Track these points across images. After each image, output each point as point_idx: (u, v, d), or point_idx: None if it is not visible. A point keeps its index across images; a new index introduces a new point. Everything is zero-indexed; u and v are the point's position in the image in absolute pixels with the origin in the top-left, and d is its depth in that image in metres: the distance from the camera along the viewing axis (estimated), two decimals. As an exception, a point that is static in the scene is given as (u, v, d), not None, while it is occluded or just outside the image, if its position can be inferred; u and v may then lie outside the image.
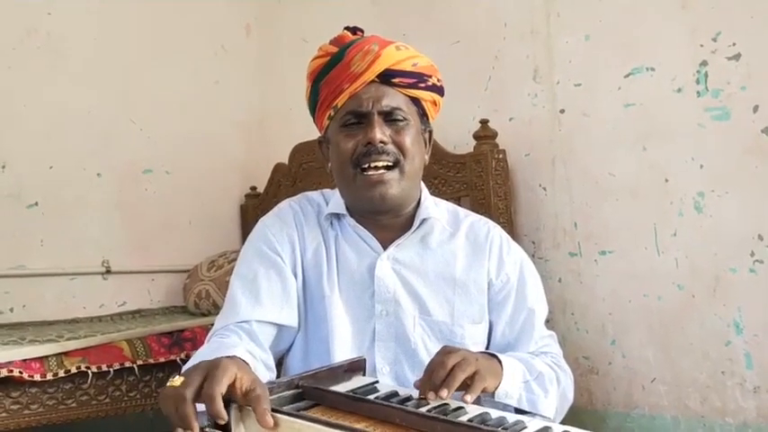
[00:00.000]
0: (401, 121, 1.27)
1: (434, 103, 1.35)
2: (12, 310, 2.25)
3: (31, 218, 2.31)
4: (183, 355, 1.88)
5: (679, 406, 1.75)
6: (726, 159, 1.69)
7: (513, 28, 2.10)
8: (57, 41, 2.40)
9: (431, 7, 2.30)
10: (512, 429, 0.90)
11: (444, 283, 1.30)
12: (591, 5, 1.93)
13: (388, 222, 1.33)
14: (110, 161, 2.48)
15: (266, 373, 1.16)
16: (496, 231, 1.39)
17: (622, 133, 1.86)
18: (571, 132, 1.97)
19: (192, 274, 2.46)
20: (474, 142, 2.04)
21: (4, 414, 1.64)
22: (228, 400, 0.87)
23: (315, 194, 1.41)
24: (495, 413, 0.96)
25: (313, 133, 1.46)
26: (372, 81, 1.26)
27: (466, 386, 1.04)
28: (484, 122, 2.04)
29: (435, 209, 1.36)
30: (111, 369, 1.78)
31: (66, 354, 1.73)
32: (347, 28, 1.33)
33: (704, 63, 1.72)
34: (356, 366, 1.10)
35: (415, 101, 1.31)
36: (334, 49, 1.29)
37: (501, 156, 2.01)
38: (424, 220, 1.33)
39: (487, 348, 1.30)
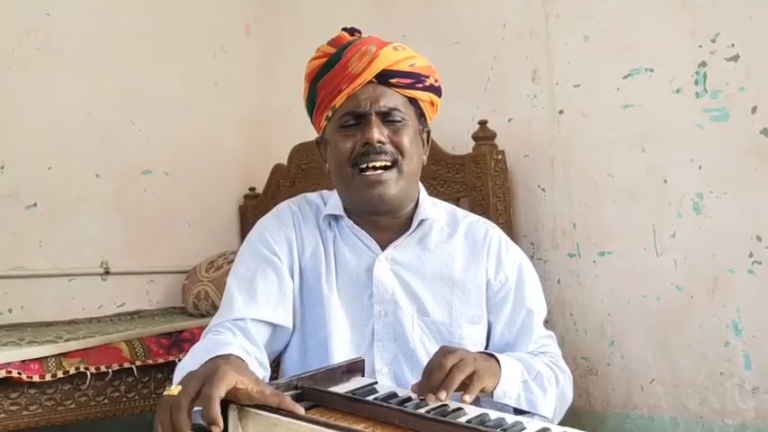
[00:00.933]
0: (399, 121, 1.27)
1: (432, 103, 1.35)
2: (10, 310, 2.24)
3: (30, 218, 2.30)
4: (181, 356, 1.88)
5: (678, 407, 1.75)
6: (724, 160, 1.69)
7: (512, 29, 2.10)
8: (56, 42, 2.39)
9: (430, 8, 2.30)
10: (511, 430, 0.90)
11: (443, 284, 1.30)
12: (590, 7, 1.93)
13: (386, 223, 1.33)
14: (109, 162, 2.47)
15: (261, 371, 1.16)
16: (495, 232, 1.39)
17: (621, 134, 1.86)
18: (570, 133, 1.97)
19: (191, 275, 2.46)
20: (473, 143, 2.05)
21: (2, 415, 1.63)
22: (227, 402, 0.87)
23: (313, 196, 1.41)
24: (493, 414, 0.96)
25: (312, 134, 1.46)
26: (370, 82, 1.27)
27: (464, 386, 1.04)
28: (483, 123, 2.04)
29: (433, 209, 1.36)
30: (110, 370, 1.77)
31: (64, 355, 1.72)
32: (345, 29, 1.34)
33: (703, 64, 1.72)
34: (355, 367, 1.10)
35: (413, 101, 1.31)
36: (332, 50, 1.29)
37: (500, 156, 2.01)
38: (422, 221, 1.33)
39: (486, 348, 1.30)
